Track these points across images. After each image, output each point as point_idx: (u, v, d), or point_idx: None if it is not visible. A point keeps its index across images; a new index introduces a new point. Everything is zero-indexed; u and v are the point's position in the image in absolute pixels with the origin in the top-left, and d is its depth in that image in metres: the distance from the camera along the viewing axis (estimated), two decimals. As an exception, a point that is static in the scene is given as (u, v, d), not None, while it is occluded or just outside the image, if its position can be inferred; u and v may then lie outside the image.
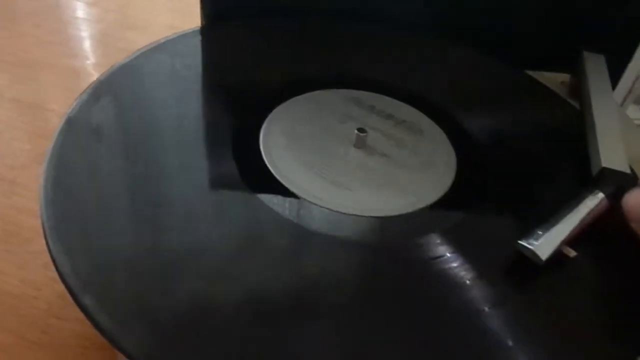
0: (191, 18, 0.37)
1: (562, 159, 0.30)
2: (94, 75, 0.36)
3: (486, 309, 0.22)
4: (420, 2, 0.39)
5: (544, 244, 0.23)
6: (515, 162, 0.30)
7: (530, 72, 0.37)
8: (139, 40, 0.41)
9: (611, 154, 0.28)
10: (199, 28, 0.36)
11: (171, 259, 0.22)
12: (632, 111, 0.39)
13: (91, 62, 0.44)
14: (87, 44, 0.46)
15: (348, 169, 0.27)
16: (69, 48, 0.45)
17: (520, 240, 0.23)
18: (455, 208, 0.27)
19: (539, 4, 0.39)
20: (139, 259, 0.22)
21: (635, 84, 0.37)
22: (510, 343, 0.21)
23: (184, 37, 0.35)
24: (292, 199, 0.25)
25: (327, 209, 0.25)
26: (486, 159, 0.30)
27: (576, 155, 0.30)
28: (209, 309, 0.21)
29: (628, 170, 0.27)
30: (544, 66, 0.38)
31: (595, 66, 0.35)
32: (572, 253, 0.24)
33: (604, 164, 0.27)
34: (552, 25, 0.39)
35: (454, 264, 0.23)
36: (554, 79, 0.38)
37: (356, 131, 0.29)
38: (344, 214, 0.25)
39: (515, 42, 0.38)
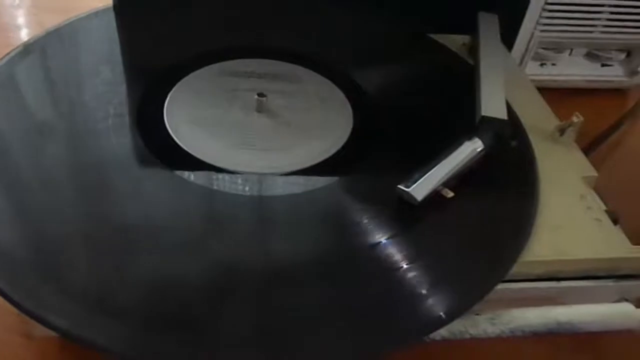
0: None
1: (453, 111, 0.33)
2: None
3: (380, 240, 0.24)
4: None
5: (419, 186, 0.25)
6: (409, 116, 0.32)
7: (435, 35, 0.39)
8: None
9: (491, 103, 0.30)
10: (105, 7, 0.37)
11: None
12: (532, 67, 0.42)
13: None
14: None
15: (252, 131, 0.29)
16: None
17: (399, 184, 0.26)
18: (351, 160, 0.29)
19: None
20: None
21: (531, 42, 0.40)
22: (399, 265, 0.23)
23: (93, 15, 0.36)
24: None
25: (231, 171, 0.27)
26: (381, 114, 0.32)
27: (467, 107, 0.32)
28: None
29: (506, 117, 0.29)
30: (449, 29, 0.40)
31: (487, 25, 0.37)
32: (450, 194, 0.26)
33: (483, 113, 0.29)
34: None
35: (349, 210, 0.26)
36: (458, 41, 0.40)
37: (256, 96, 0.30)
38: (251, 173, 0.27)
39: (420, 6, 0.40)
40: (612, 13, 0.39)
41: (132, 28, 0.36)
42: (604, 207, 0.28)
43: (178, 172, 0.26)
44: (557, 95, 0.43)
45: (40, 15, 0.48)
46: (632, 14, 0.39)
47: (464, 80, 0.35)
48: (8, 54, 0.31)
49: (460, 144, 0.27)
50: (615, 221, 0.28)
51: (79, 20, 0.35)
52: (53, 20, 0.36)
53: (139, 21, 0.37)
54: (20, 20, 0.48)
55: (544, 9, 0.38)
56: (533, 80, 0.42)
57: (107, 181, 0.26)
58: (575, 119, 0.31)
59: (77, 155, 0.27)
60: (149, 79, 0.32)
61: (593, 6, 0.38)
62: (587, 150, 0.39)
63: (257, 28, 0.36)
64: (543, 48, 0.41)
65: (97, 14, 0.36)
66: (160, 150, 0.27)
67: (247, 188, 0.26)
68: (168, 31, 0.36)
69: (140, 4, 0.37)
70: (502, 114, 0.30)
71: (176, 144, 0.28)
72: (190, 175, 0.26)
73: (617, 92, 0.44)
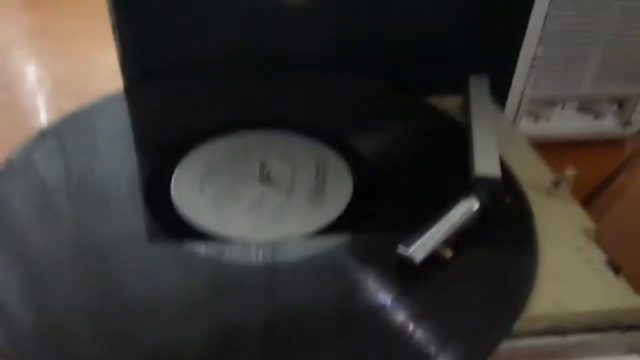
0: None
1: (449, 171, 0.34)
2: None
3: (384, 302, 0.25)
4: (320, 40, 0.43)
5: (417, 248, 0.26)
6: (406, 177, 0.33)
7: (432, 98, 0.41)
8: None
9: (485, 162, 0.31)
10: (117, 92, 0.39)
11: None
12: (526, 124, 0.43)
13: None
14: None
15: (254, 201, 0.30)
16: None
17: (399, 246, 0.26)
18: (353, 223, 0.29)
19: (430, 38, 0.43)
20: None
21: (522, 99, 0.41)
22: (403, 326, 0.24)
23: (106, 101, 0.38)
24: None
25: (237, 240, 0.28)
26: (380, 176, 0.33)
27: (462, 167, 0.33)
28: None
29: (499, 175, 0.30)
30: (443, 91, 0.42)
31: (478, 87, 0.39)
32: (449, 254, 0.27)
33: (477, 172, 0.30)
34: (445, 55, 0.43)
35: (353, 273, 0.26)
36: (453, 102, 0.41)
37: (259, 166, 0.32)
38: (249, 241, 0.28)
39: (413, 70, 0.42)
40: (599, 68, 0.40)
41: (140, 107, 0.38)
42: (604, 258, 0.28)
43: (187, 246, 0.27)
44: (553, 149, 0.44)
45: (58, 100, 0.50)
46: (619, 69, 0.40)
47: (458, 140, 0.36)
48: (26, 140, 0.33)
49: (456, 203, 0.28)
50: (617, 271, 0.28)
51: (93, 105, 0.37)
52: (71, 105, 0.39)
53: (147, 101, 0.39)
54: (40, 104, 0.50)
55: (532, 67, 0.40)
56: (528, 136, 0.43)
57: (118, 257, 0.27)
58: (569, 172, 0.32)
59: (89, 234, 0.28)
60: (157, 156, 0.33)
61: (580, 61, 0.40)
62: (587, 201, 0.39)
63: (257, 101, 0.38)
64: (535, 104, 0.42)
65: (110, 98, 0.38)
66: (169, 224, 0.29)
67: (254, 256, 0.27)
68: (174, 109, 0.38)
69: (148, 86, 0.39)
70: (496, 172, 0.31)
71: (184, 217, 0.29)
72: (199, 247, 0.27)
73: (612, 143, 0.45)
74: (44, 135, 0.34)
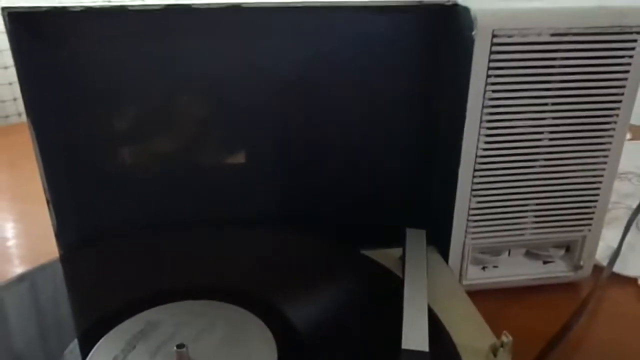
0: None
1: (383, 334, 0.32)
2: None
3: None
4: (264, 200, 0.43)
5: None
6: (337, 344, 0.31)
7: (369, 251, 0.40)
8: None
9: (413, 334, 0.30)
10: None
11: None
12: (473, 272, 0.42)
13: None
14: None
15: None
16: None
17: None
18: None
19: (368, 192, 0.43)
20: None
21: (464, 249, 0.41)
22: None
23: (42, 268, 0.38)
24: None
25: None
26: (309, 344, 0.31)
27: (396, 328, 0.32)
28: None
29: (426, 349, 0.29)
30: (388, 243, 0.42)
31: (414, 241, 0.38)
32: None
33: (404, 346, 0.29)
34: (385, 205, 0.44)
35: None
36: (393, 255, 0.41)
37: (175, 349, 0.30)
38: None
39: (356, 226, 0.42)
40: (536, 216, 0.40)
41: (69, 278, 0.37)
42: None
43: None
44: (505, 295, 0.43)
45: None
46: (556, 215, 0.40)
47: (396, 297, 0.35)
48: None
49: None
50: None
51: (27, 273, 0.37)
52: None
53: (75, 272, 0.38)
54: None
55: (469, 220, 0.39)
56: (478, 284, 0.42)
57: None
58: (505, 339, 0.30)
59: None
60: (79, 332, 0.32)
61: (517, 211, 0.40)
62: (545, 353, 0.37)
63: (170, 270, 0.38)
64: (480, 252, 0.42)
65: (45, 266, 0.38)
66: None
67: None
68: (101, 279, 0.37)
69: (79, 255, 0.39)
70: (424, 345, 0.29)
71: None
72: None
73: (567, 285, 0.44)
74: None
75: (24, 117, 0.35)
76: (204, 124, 0.42)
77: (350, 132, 0.42)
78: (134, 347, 0.31)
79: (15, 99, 0.86)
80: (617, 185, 0.58)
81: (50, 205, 0.38)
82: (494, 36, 0.34)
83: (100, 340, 0.31)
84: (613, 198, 0.50)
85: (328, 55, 0.39)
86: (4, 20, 0.33)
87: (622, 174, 0.64)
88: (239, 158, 0.43)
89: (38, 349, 0.32)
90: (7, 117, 0.87)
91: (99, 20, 0.36)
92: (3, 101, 0.85)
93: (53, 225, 0.39)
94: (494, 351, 0.31)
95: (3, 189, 0.64)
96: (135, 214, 0.42)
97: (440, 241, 0.41)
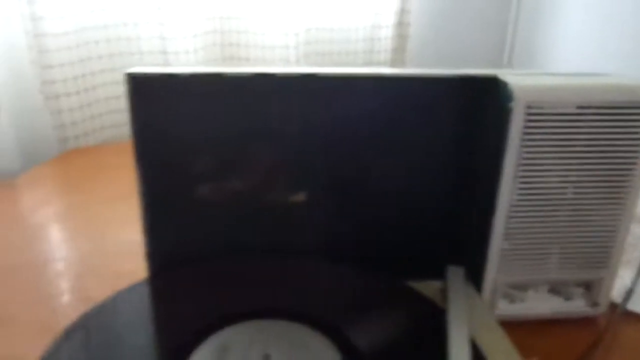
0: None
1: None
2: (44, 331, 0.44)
3: None
4: (320, 235, 0.50)
5: None
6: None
7: (413, 283, 0.46)
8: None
9: (457, 355, 0.36)
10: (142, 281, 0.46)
11: None
12: (503, 305, 0.48)
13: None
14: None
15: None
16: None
17: None
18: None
19: (413, 230, 0.50)
20: None
21: (496, 285, 0.47)
22: None
23: (132, 288, 0.44)
24: None
25: None
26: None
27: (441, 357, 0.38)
28: None
29: (469, 369, 0.35)
30: (429, 276, 0.48)
31: (454, 277, 0.44)
32: None
33: (451, 367, 0.35)
34: (429, 243, 0.50)
35: None
36: (434, 287, 0.47)
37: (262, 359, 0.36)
38: None
39: (403, 260, 0.49)
40: (560, 257, 0.46)
41: (159, 298, 0.44)
42: None
43: None
44: (530, 327, 0.49)
45: (82, 280, 0.57)
46: (578, 257, 0.46)
47: (439, 326, 0.41)
48: (54, 340, 0.38)
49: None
50: None
51: (115, 297, 0.43)
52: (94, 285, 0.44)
53: (165, 292, 0.45)
54: (65, 285, 0.56)
55: (501, 259, 0.46)
56: (506, 316, 0.48)
57: None
58: (533, 362, 0.36)
59: None
60: (173, 346, 0.39)
61: (543, 252, 0.46)
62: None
63: (258, 291, 0.44)
64: (509, 288, 0.48)
65: (133, 288, 0.45)
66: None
67: None
68: (188, 299, 0.43)
69: (166, 277, 0.46)
70: (467, 365, 0.35)
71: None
72: None
73: (584, 320, 0.50)
74: (68, 334, 0.39)
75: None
76: (272, 168, 0.49)
77: (396, 180, 0.49)
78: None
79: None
80: (636, 229, 0.64)
81: (145, 230, 0.45)
82: (528, 107, 0.41)
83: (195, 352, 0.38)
84: (631, 240, 0.56)
85: (379, 115, 0.46)
86: (126, 81, 0.41)
87: None
88: (299, 197, 0.50)
89: None
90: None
91: (199, 83, 0.43)
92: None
93: (146, 247, 0.46)
94: (524, 373, 0.37)
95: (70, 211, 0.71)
96: (211, 243, 0.48)
97: (474, 276, 0.47)
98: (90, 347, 0.38)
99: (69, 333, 0.39)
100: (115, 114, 1.01)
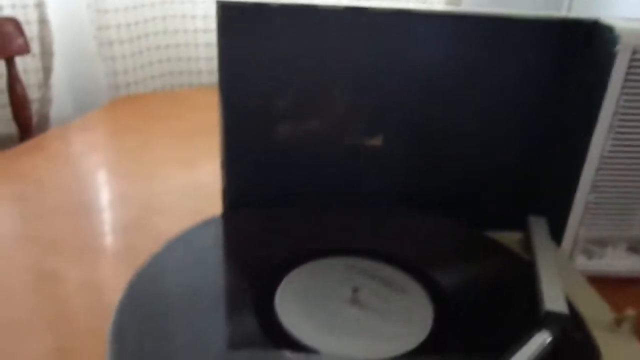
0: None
1: (518, 306, 0.37)
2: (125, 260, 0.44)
3: None
4: (388, 177, 0.49)
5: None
6: (481, 312, 0.37)
7: (492, 233, 0.46)
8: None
9: (553, 299, 0.35)
10: (217, 216, 0.45)
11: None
12: (580, 260, 0.47)
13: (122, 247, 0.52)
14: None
15: (345, 322, 0.34)
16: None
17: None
18: (432, 353, 0.33)
19: (492, 178, 0.49)
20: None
21: (577, 239, 0.46)
22: None
23: (207, 223, 0.44)
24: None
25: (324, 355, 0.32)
26: (457, 310, 0.37)
27: (529, 302, 0.37)
28: None
29: (567, 312, 0.34)
30: (505, 226, 0.47)
31: (538, 228, 0.43)
32: (526, 384, 0.30)
33: (547, 308, 0.34)
34: (507, 193, 0.49)
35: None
36: (512, 237, 0.46)
37: (351, 291, 0.36)
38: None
39: (478, 209, 0.48)
40: (646, 214, 0.45)
41: (241, 231, 0.44)
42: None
43: (285, 353, 0.32)
44: (606, 285, 0.47)
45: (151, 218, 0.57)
46: (664, 215, 0.45)
47: (523, 276, 0.40)
48: (143, 265, 0.38)
49: (528, 337, 0.32)
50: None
51: (196, 229, 0.43)
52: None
53: (246, 226, 0.45)
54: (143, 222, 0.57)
55: (585, 212, 0.44)
56: (582, 272, 0.47)
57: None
58: (630, 312, 0.35)
59: (204, 339, 0.32)
60: (263, 272, 0.38)
61: (629, 208, 0.45)
62: None
63: (342, 230, 0.44)
64: (589, 243, 0.47)
65: (210, 221, 0.44)
66: (270, 332, 0.33)
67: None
68: (270, 235, 0.43)
69: (245, 212, 0.45)
70: (564, 309, 0.34)
71: (284, 328, 0.33)
72: (295, 356, 0.31)
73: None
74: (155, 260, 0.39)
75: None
76: (350, 110, 0.48)
77: (479, 126, 0.47)
78: (314, 290, 0.37)
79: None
80: None
81: (224, 166, 0.45)
82: (634, 52, 0.39)
83: (290, 273, 0.38)
84: None
85: (465, 58, 0.45)
86: (217, 10, 0.40)
87: None
88: (376, 141, 0.49)
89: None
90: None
91: (289, 15, 0.42)
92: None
93: (223, 183, 0.45)
94: (618, 322, 0.36)
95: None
96: (286, 182, 0.48)
97: (553, 230, 0.46)
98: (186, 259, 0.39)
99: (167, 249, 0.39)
100: (165, 63, 1.01)
